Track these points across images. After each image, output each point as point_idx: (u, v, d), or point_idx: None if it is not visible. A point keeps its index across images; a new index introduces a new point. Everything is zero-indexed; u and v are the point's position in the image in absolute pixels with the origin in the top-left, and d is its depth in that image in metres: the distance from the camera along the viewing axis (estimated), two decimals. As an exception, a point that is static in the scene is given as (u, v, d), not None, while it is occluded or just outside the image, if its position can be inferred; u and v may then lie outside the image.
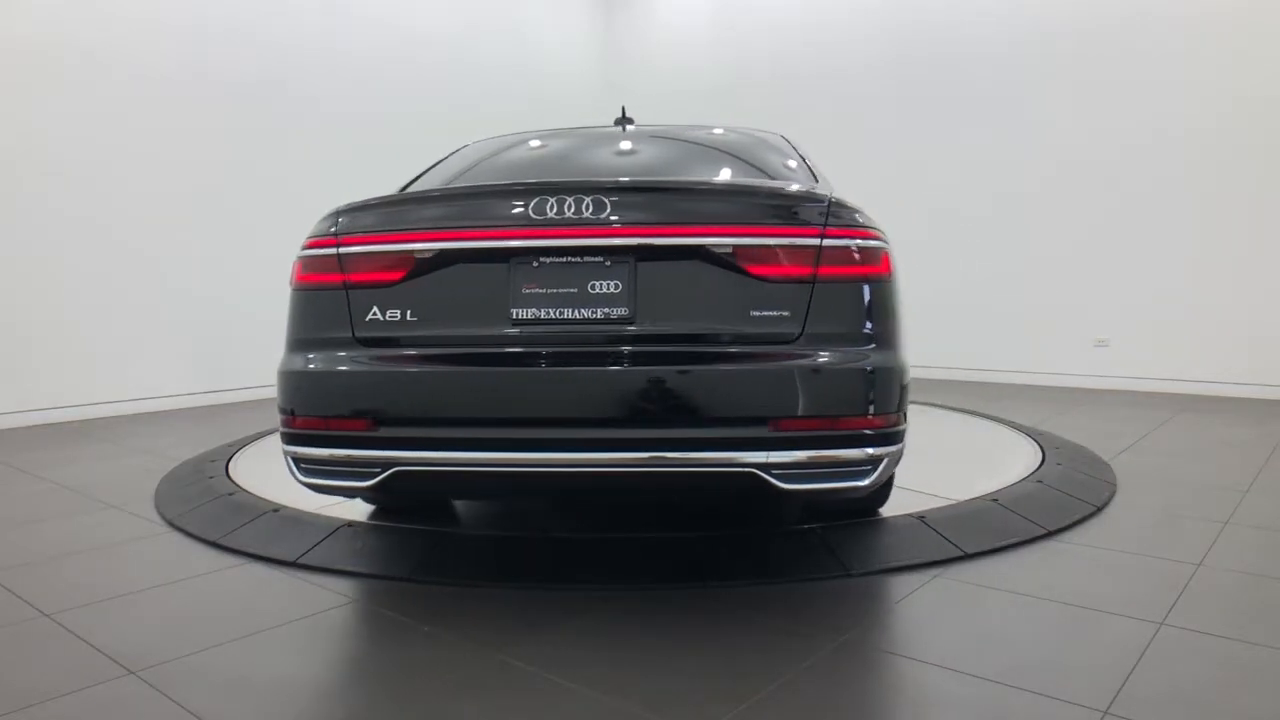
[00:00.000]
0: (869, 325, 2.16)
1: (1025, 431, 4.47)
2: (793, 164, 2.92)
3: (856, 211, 2.22)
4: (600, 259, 2.13)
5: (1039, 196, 6.83)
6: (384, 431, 2.12)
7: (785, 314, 2.10)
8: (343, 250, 2.24)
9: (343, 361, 2.19)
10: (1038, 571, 2.51)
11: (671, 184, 2.36)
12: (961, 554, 2.59)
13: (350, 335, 2.21)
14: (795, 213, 2.19)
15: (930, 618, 2.16)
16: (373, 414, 2.13)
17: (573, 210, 2.11)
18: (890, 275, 2.23)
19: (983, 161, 7.07)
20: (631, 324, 2.12)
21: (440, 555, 2.64)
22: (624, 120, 3.46)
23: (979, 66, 7.07)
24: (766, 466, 2.03)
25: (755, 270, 2.11)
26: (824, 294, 2.11)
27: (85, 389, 5.44)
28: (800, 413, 2.05)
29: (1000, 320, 7.04)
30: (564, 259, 2.14)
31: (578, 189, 2.13)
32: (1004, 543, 2.70)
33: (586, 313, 2.12)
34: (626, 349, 2.12)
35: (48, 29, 5.24)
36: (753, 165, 2.94)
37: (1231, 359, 6.11)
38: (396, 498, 2.93)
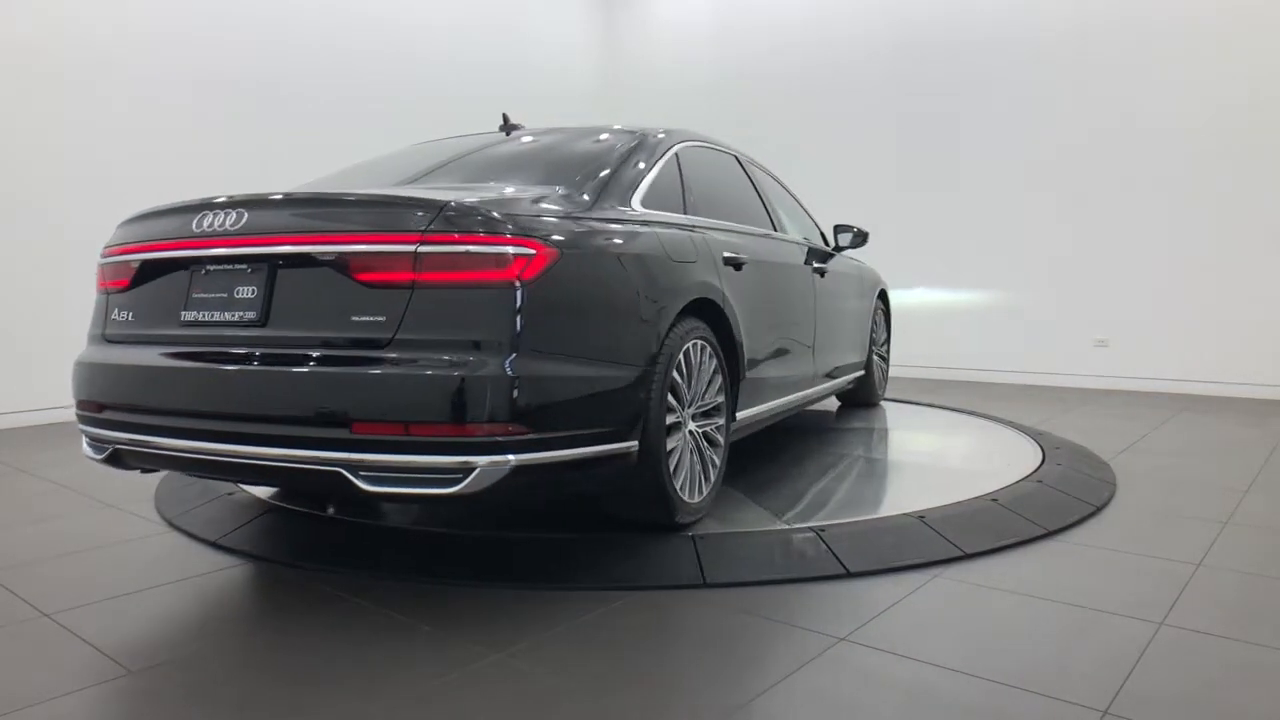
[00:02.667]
0: (480, 332, 2.11)
1: (1025, 431, 4.47)
2: (596, 171, 2.78)
3: (485, 218, 2.15)
4: (244, 267, 2.31)
5: (1039, 196, 6.84)
6: (106, 415, 2.49)
7: (380, 319, 2.13)
8: (105, 260, 2.64)
9: (92, 355, 2.61)
10: (1037, 571, 2.51)
11: (295, 195, 2.41)
12: (961, 554, 2.59)
13: (102, 333, 2.63)
14: (397, 220, 2.17)
15: (930, 618, 2.16)
16: (99, 400, 2.52)
17: (219, 223, 2.31)
18: (524, 282, 2.14)
19: (983, 160, 7.07)
20: (261, 327, 2.26)
21: (440, 555, 2.65)
22: (507, 126, 3.57)
23: (979, 65, 7.07)
24: (351, 467, 2.10)
25: (358, 276, 2.16)
26: (423, 300, 2.11)
27: (85, 389, 5.44)
28: (377, 416, 2.08)
29: (1000, 320, 7.05)
30: (219, 267, 2.36)
31: (225, 204, 2.33)
32: (1004, 543, 2.71)
33: (229, 316, 2.31)
34: (248, 350, 2.27)
35: (48, 30, 5.24)
36: (555, 170, 2.88)
37: (1231, 359, 6.11)
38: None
